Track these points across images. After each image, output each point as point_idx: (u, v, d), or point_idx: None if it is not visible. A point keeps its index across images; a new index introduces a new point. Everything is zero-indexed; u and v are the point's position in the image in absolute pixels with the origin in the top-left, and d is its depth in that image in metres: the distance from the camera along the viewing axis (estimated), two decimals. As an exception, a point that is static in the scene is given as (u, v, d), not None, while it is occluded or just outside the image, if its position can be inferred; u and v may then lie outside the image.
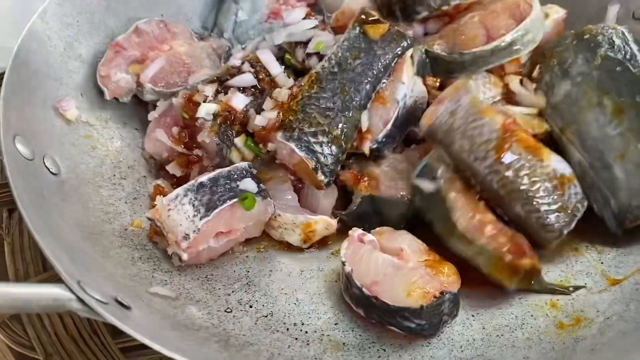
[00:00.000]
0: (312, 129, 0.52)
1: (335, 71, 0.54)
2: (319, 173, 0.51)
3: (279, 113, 0.53)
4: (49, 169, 0.47)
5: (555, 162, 0.49)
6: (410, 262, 0.46)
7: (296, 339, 0.45)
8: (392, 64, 0.54)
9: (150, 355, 0.47)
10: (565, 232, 0.47)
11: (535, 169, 0.48)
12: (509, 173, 0.48)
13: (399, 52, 0.54)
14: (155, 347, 0.35)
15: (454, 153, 0.50)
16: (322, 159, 0.52)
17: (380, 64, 0.54)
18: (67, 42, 0.56)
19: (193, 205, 0.48)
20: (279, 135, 0.52)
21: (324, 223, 0.53)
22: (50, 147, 0.49)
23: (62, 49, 0.55)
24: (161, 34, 0.62)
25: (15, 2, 0.71)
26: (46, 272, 0.52)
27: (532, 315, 0.47)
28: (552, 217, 0.47)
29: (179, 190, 0.48)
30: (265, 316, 0.47)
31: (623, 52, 0.53)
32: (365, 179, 0.54)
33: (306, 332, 0.46)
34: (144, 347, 0.40)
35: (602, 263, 0.50)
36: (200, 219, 0.47)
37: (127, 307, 0.39)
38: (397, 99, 0.54)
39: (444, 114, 0.50)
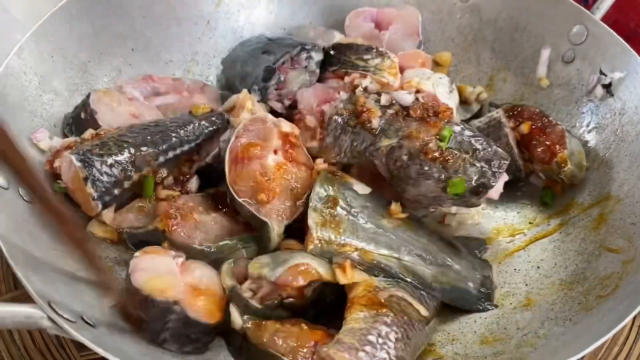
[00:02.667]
0: (101, 152, 0.54)
1: (150, 125, 0.58)
2: (89, 184, 0.52)
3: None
4: (22, 197, 0.51)
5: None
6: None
7: None
8: (204, 136, 0.60)
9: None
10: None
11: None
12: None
13: (213, 129, 0.60)
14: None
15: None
16: (96, 173, 0.53)
17: (194, 128, 0.59)
18: (41, 76, 0.60)
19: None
20: (67, 152, 0.54)
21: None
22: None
23: (37, 83, 0.60)
24: (194, 87, 0.70)
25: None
26: (17, 290, 0.56)
27: (462, 332, 0.53)
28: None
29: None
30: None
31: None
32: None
33: None
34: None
35: (526, 284, 0.56)
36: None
37: (92, 325, 0.43)
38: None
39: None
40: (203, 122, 0.60)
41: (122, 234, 0.55)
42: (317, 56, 0.68)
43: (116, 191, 0.54)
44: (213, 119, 0.61)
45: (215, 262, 0.53)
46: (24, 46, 0.59)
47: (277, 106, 0.67)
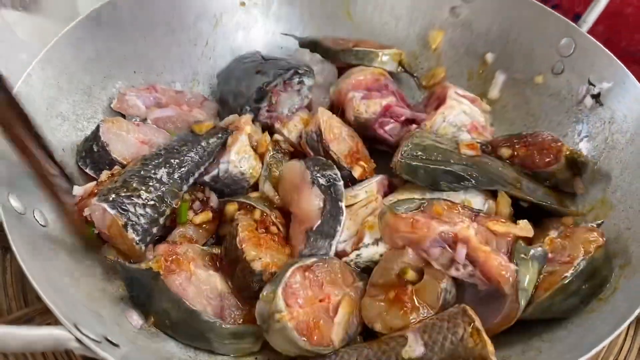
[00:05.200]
0: (128, 193, 0.55)
1: (162, 153, 0.60)
2: (129, 230, 0.54)
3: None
4: (38, 222, 0.53)
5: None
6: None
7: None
8: (214, 154, 0.62)
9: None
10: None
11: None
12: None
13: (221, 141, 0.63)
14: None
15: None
16: (133, 217, 0.54)
17: (203, 148, 0.61)
18: (48, 102, 0.62)
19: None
20: (94, 199, 0.54)
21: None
22: (37, 201, 0.54)
23: (44, 109, 0.61)
24: (195, 102, 0.72)
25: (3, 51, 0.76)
26: (27, 307, 0.57)
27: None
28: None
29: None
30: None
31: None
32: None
33: None
34: None
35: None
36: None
37: (116, 345, 0.44)
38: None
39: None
40: (211, 140, 0.62)
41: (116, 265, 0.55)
42: (309, 81, 0.69)
43: (155, 229, 0.56)
44: (219, 135, 0.63)
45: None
46: (32, 72, 0.60)
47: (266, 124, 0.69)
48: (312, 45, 0.77)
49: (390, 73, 0.74)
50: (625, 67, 0.64)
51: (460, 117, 0.68)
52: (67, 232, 0.54)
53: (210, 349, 0.52)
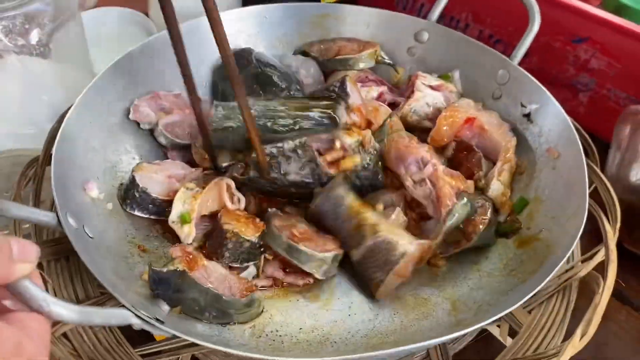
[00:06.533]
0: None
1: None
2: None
3: None
4: (87, 234, 0.66)
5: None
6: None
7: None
8: None
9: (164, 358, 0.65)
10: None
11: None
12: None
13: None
14: (190, 339, 0.55)
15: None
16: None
17: None
18: (84, 139, 0.75)
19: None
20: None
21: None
22: (84, 219, 0.67)
23: (82, 145, 0.74)
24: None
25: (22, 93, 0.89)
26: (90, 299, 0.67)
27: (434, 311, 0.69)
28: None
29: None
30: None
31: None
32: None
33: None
34: (158, 352, 0.62)
35: (479, 271, 0.73)
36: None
37: (162, 322, 0.57)
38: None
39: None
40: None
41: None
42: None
43: None
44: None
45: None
46: (70, 116, 0.73)
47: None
48: (302, 54, 0.93)
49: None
50: (547, 91, 0.80)
51: (424, 109, 0.84)
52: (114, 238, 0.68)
53: (231, 321, 0.65)
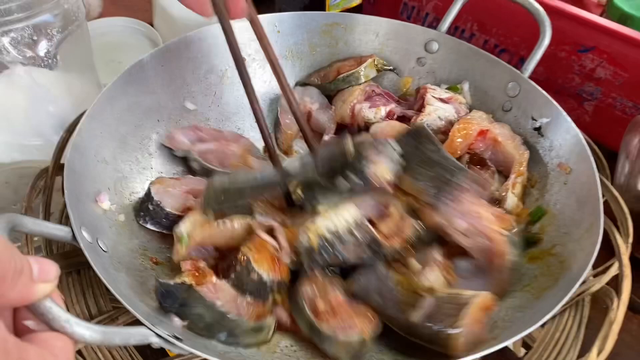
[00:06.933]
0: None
1: None
2: None
3: None
4: (101, 248, 0.65)
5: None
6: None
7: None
8: None
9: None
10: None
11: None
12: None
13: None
14: (208, 356, 0.54)
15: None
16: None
17: None
18: (95, 150, 0.74)
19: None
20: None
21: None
22: (97, 232, 0.66)
23: (92, 155, 0.73)
24: (231, 138, 0.86)
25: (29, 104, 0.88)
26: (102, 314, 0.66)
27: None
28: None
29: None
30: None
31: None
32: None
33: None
34: None
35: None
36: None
37: (181, 340, 0.57)
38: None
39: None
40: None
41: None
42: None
43: None
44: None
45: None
46: (81, 126, 0.73)
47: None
48: (304, 85, 0.93)
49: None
50: (559, 106, 0.80)
51: (436, 122, 0.84)
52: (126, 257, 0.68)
53: (236, 342, 0.63)
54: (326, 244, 0.62)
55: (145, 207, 0.74)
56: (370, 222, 0.65)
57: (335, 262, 0.63)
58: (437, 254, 0.68)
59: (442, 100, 0.85)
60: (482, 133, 0.80)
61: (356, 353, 0.58)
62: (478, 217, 0.67)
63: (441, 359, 0.58)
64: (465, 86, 0.90)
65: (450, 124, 0.82)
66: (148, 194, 0.75)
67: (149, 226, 0.74)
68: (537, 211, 0.76)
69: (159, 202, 0.74)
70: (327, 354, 0.59)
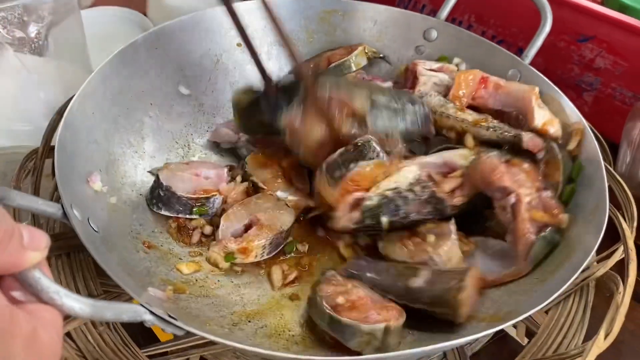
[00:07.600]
0: None
1: None
2: None
3: None
4: (92, 228, 0.63)
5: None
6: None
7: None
8: None
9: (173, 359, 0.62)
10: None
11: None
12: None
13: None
14: (204, 334, 0.52)
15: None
16: None
17: None
18: (87, 130, 0.72)
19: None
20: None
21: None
22: (89, 212, 0.64)
23: (84, 136, 0.71)
24: None
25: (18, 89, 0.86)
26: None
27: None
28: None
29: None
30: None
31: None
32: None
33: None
34: (165, 353, 0.60)
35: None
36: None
37: (174, 318, 0.54)
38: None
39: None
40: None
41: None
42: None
43: None
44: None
45: None
46: (73, 105, 0.70)
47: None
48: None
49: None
50: (560, 90, 0.79)
51: (435, 89, 0.82)
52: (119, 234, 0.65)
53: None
54: (388, 200, 0.65)
55: (156, 194, 0.73)
56: (432, 179, 0.67)
57: (397, 219, 0.65)
58: (452, 225, 0.67)
59: (433, 70, 0.84)
60: (484, 80, 0.79)
61: (381, 343, 0.54)
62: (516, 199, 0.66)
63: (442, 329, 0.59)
64: (462, 66, 0.88)
65: (448, 89, 0.81)
66: (157, 180, 0.73)
67: (163, 212, 0.73)
68: (577, 167, 0.73)
69: (169, 187, 0.72)
70: (349, 346, 0.55)
